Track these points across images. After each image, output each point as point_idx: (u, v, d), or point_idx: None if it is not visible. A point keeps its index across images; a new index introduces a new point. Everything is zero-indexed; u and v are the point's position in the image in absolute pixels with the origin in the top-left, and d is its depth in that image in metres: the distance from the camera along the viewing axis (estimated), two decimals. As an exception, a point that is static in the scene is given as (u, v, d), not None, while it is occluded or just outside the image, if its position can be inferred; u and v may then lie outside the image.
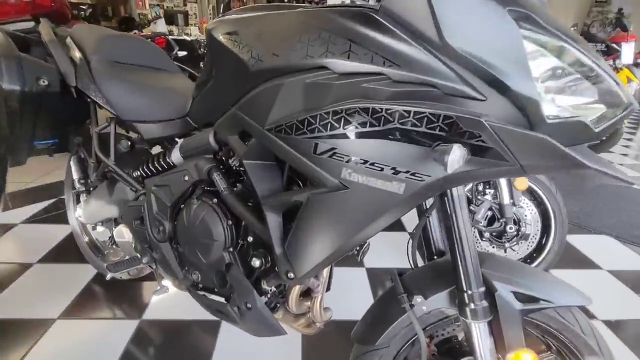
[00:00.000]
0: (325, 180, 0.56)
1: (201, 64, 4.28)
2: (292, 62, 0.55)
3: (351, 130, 0.52)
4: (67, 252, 1.56)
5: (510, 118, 0.47)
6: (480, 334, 0.62)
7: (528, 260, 1.46)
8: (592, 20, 8.52)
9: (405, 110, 0.48)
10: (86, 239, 1.35)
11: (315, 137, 0.55)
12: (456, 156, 0.43)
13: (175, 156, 0.93)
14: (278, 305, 0.87)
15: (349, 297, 1.40)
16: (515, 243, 1.45)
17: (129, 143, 1.02)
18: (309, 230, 0.61)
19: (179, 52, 2.97)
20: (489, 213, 1.42)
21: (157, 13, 3.89)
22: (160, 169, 0.99)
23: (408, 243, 0.79)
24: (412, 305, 0.67)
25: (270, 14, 0.62)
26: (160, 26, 3.70)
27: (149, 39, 2.88)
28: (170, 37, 2.94)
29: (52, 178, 2.28)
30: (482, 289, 0.62)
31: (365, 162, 0.53)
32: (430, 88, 0.48)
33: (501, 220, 1.39)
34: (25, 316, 1.24)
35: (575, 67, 0.48)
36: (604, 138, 3.39)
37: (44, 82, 0.94)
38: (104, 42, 1.07)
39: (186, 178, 0.87)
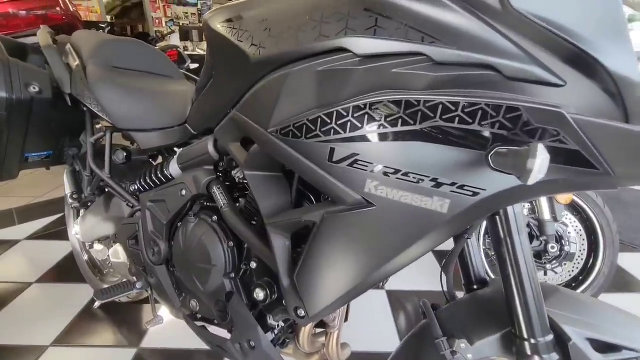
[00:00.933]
0: (345, 195, 0.43)
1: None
2: (300, 45, 0.43)
3: (378, 131, 0.40)
4: (67, 271, 1.48)
5: (599, 109, 0.35)
6: (549, 397, 0.47)
7: (573, 285, 1.29)
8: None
9: (451, 103, 0.36)
10: (86, 257, 1.26)
11: (332, 141, 0.43)
12: (543, 161, 0.30)
13: (174, 168, 0.83)
14: (287, 341, 0.74)
15: (367, 323, 1.25)
16: (557, 265, 1.27)
17: (125, 154, 0.93)
18: (324, 258, 0.48)
19: (190, 65, 2.94)
20: (527, 230, 1.25)
21: (171, 28, 3.92)
22: (158, 182, 0.89)
23: (442, 270, 0.66)
24: (454, 352, 0.53)
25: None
26: (174, 41, 3.72)
27: (162, 52, 2.88)
28: (182, 50, 2.93)
29: (61, 192, 2.24)
30: (551, 336, 0.47)
31: (397, 171, 0.40)
32: (488, 71, 0.35)
33: (541, 239, 1.23)
34: (17, 342, 1.14)
35: None
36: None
37: (34, 88, 0.87)
38: (102, 47, 1.00)
39: (183, 192, 0.76)
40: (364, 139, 0.41)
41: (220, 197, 0.69)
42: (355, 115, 0.41)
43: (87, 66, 0.95)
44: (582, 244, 1.27)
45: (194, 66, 3.01)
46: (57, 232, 1.79)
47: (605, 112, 0.34)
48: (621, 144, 0.34)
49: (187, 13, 7.33)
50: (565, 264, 1.27)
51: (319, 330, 0.77)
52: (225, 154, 0.70)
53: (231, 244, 0.70)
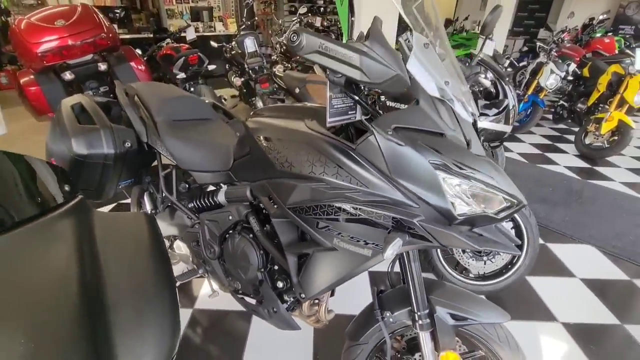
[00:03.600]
0: (323, 243, 0.89)
1: (227, 67, 4.57)
2: (303, 172, 0.87)
3: (339, 217, 0.85)
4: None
5: (435, 217, 0.78)
6: (424, 340, 0.95)
7: (504, 271, 1.76)
8: (628, 1, 8.09)
9: (371, 210, 0.80)
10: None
11: (317, 218, 0.88)
12: (394, 248, 0.74)
13: (221, 198, 1.28)
14: (295, 308, 1.23)
15: (352, 294, 1.76)
16: (492, 256, 1.74)
17: (187, 186, 1.39)
18: (314, 271, 0.95)
19: (208, 66, 3.30)
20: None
21: (187, 22, 4.19)
22: (209, 204, 1.35)
23: (388, 268, 1.12)
24: (383, 318, 1.00)
25: (293, 130, 0.93)
26: (190, 34, 4.02)
27: (184, 57, 3.22)
28: (201, 55, 3.27)
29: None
30: (427, 311, 0.94)
31: (348, 236, 0.85)
32: (386, 199, 0.79)
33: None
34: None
35: (479, 186, 0.77)
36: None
37: (128, 144, 1.31)
38: (165, 104, 1.41)
39: (230, 217, 1.22)
40: (332, 219, 0.86)
41: (254, 225, 1.14)
42: (329, 209, 0.85)
43: (156, 121, 1.37)
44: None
45: (211, 67, 3.37)
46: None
47: (438, 218, 0.78)
48: (441, 235, 0.78)
49: (195, -11, 7.39)
50: (497, 256, 1.74)
51: (315, 301, 1.26)
52: (256, 198, 1.15)
53: (262, 252, 1.16)
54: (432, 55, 0.78)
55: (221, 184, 1.31)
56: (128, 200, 1.70)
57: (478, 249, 0.77)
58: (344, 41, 0.81)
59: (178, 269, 1.74)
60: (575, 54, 4.65)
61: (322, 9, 9.44)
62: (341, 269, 0.90)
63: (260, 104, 3.79)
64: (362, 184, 0.80)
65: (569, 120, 4.39)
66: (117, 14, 5.34)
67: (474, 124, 0.83)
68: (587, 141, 3.68)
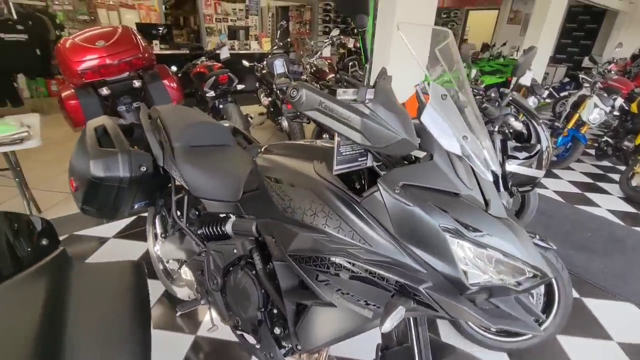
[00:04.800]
0: (322, 297, 0.83)
1: (257, 85, 4.69)
2: (305, 221, 0.82)
3: (340, 272, 0.79)
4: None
5: (444, 285, 0.70)
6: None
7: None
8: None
9: (373, 270, 0.73)
10: (161, 266, 1.77)
11: (317, 270, 0.82)
12: (393, 320, 0.67)
13: (229, 229, 1.25)
14: (294, 353, 1.16)
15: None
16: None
17: (197, 213, 1.38)
18: (312, 324, 0.89)
19: (237, 86, 3.39)
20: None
21: (222, 40, 4.36)
22: (216, 233, 1.32)
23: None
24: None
25: (299, 173, 0.88)
26: (224, 53, 4.17)
27: (215, 76, 3.33)
28: (231, 74, 3.36)
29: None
30: None
31: (348, 294, 0.79)
32: (390, 260, 0.72)
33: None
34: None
35: (496, 254, 0.69)
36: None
37: (144, 168, 1.32)
38: (184, 130, 1.42)
39: (235, 251, 1.18)
40: (333, 274, 0.80)
41: (258, 262, 1.10)
42: (329, 262, 0.79)
43: (174, 147, 1.39)
44: (539, 300, 1.56)
45: (240, 86, 3.46)
46: (136, 232, 2.35)
47: (447, 286, 0.70)
48: (451, 307, 0.69)
49: (235, 9, 7.76)
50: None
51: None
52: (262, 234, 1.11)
53: (263, 291, 1.11)
54: (450, 107, 0.72)
55: (230, 214, 1.29)
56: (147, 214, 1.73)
57: (490, 327, 0.68)
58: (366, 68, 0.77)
59: (183, 293, 1.73)
60: (623, 87, 4.35)
61: (355, 30, 9.58)
62: (339, 327, 0.83)
63: (285, 124, 3.83)
64: (365, 241, 0.74)
65: (614, 158, 4.07)
66: (160, 31, 5.69)
67: (502, 177, 0.75)
68: (634, 183, 3.38)
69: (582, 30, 8.87)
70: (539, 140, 1.54)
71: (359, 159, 0.82)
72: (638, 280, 2.19)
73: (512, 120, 1.51)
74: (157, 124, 1.50)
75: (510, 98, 1.53)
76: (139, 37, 2.51)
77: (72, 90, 2.45)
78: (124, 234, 2.36)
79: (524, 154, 1.50)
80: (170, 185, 1.50)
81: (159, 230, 1.55)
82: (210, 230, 1.34)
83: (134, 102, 2.60)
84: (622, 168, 3.55)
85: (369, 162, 0.84)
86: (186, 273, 1.51)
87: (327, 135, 3.01)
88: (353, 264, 0.76)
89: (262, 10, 8.85)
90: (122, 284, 0.60)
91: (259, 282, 1.11)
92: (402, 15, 3.11)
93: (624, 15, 7.48)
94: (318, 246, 0.80)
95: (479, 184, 0.73)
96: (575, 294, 2.02)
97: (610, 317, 1.89)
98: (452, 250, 0.67)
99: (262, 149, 1.11)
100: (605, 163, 4.38)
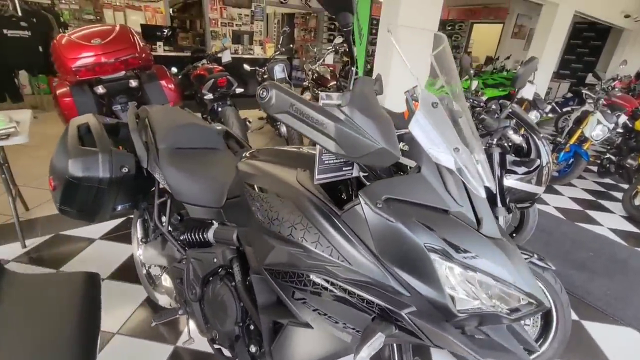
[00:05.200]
0: (298, 317, 0.76)
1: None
2: (282, 233, 0.76)
3: (317, 291, 0.72)
4: (129, 271, 1.94)
5: (429, 310, 0.64)
6: None
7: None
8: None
9: (352, 291, 0.67)
10: (144, 271, 1.70)
11: (294, 287, 0.76)
12: (370, 349, 0.60)
13: (210, 236, 1.19)
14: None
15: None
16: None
17: (179, 218, 1.32)
18: (287, 345, 0.82)
19: (236, 89, 3.36)
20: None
21: (224, 44, 4.35)
22: (198, 240, 1.26)
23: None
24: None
25: (280, 182, 0.82)
26: (226, 56, 4.15)
27: (214, 79, 3.30)
28: (230, 77, 3.33)
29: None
30: None
31: (326, 314, 0.72)
32: (370, 280, 0.66)
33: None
34: (94, 327, 1.61)
35: (487, 279, 0.62)
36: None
37: (125, 169, 1.27)
38: (171, 131, 1.37)
39: (215, 260, 1.12)
40: (310, 292, 0.73)
41: (237, 274, 1.03)
42: (306, 279, 0.73)
43: (159, 148, 1.34)
44: (536, 322, 1.48)
45: (239, 90, 3.42)
46: (124, 235, 2.29)
47: (433, 312, 0.63)
48: (435, 335, 0.63)
49: (240, 15, 7.79)
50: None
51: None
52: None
53: (241, 305, 1.05)
54: (441, 116, 0.66)
55: (213, 221, 1.23)
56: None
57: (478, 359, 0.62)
58: (359, 74, 0.71)
59: (165, 300, 1.66)
60: (627, 104, 4.30)
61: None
62: (316, 350, 0.77)
63: (283, 129, 3.79)
64: (345, 259, 0.67)
65: (617, 176, 4.00)
66: (164, 33, 5.69)
67: (499, 192, 0.69)
68: (637, 202, 3.30)
69: (587, 46, 8.87)
70: (539, 155, 1.48)
71: (344, 169, 0.77)
72: (640, 303, 2.11)
73: (511, 134, 1.45)
74: (144, 123, 1.45)
75: (510, 110, 1.47)
76: (136, 36, 2.48)
77: (67, 88, 2.42)
78: (110, 236, 2.30)
79: (523, 169, 1.44)
80: (153, 188, 1.45)
81: (139, 234, 1.49)
82: (192, 236, 1.28)
83: (130, 102, 2.56)
84: (625, 186, 3.48)
85: (355, 172, 0.78)
86: (167, 280, 1.44)
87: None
88: (331, 283, 0.69)
89: (268, 16, 8.90)
90: (69, 298, 0.54)
91: (238, 294, 1.05)
92: (405, 21, 3.08)
93: (628, 32, 7.47)
94: (295, 261, 0.74)
95: (470, 200, 0.67)
96: (574, 316, 1.94)
97: (610, 343, 1.81)
98: (438, 273, 0.61)
99: (247, 154, 1.05)
100: (607, 180, 4.30)
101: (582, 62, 8.96)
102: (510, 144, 1.52)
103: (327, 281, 0.70)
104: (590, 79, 7.71)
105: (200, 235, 1.24)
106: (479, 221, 0.67)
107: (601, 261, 2.51)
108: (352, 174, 0.78)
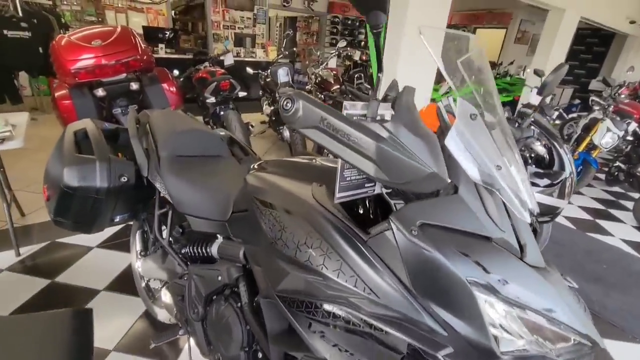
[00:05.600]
0: (316, 352, 0.68)
1: (260, 93, 4.61)
2: (298, 258, 0.68)
3: (337, 324, 0.64)
4: (126, 282, 1.86)
5: (467, 351, 0.56)
6: None
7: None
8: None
9: (380, 327, 0.59)
10: (143, 284, 1.62)
11: (310, 318, 0.67)
12: None
13: (214, 251, 1.11)
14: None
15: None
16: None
17: (181, 231, 1.24)
18: (301, 380, 0.74)
19: (239, 93, 3.29)
20: None
21: (226, 47, 4.29)
22: (201, 255, 1.18)
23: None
24: None
25: (295, 198, 0.74)
26: (228, 59, 4.09)
27: (217, 82, 3.23)
28: (233, 81, 3.27)
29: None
30: None
31: (347, 351, 0.64)
32: (401, 316, 0.58)
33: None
34: (89, 343, 1.52)
35: (536, 317, 0.55)
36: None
37: (124, 178, 1.19)
38: (173, 138, 1.30)
39: (219, 278, 1.04)
40: (329, 324, 0.65)
41: (244, 294, 0.95)
42: (325, 310, 0.65)
43: (160, 155, 1.26)
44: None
45: (242, 94, 3.35)
46: (121, 243, 2.20)
47: (472, 354, 0.56)
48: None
49: (243, 17, 7.75)
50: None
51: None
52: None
53: (248, 328, 0.96)
54: (480, 129, 0.59)
55: (217, 235, 1.15)
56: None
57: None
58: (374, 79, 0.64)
59: (164, 315, 1.57)
60: (634, 111, 4.23)
61: (362, 42, 9.59)
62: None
63: (286, 134, 3.71)
64: (371, 291, 0.59)
65: (626, 184, 3.92)
66: (166, 35, 5.64)
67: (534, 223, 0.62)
68: (648, 211, 3.23)
69: (590, 52, 8.83)
70: (562, 167, 1.40)
71: (366, 185, 0.69)
72: (659, 320, 2.02)
73: (536, 145, 1.37)
74: (145, 129, 1.37)
75: (533, 119, 1.39)
76: (138, 38, 2.41)
77: (66, 90, 2.34)
78: (108, 244, 2.21)
79: (546, 181, 1.36)
80: (154, 197, 1.37)
81: (138, 247, 1.41)
82: (195, 250, 1.20)
83: (131, 105, 2.49)
84: (635, 195, 3.41)
85: (378, 188, 0.70)
86: (166, 295, 1.36)
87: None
88: (355, 316, 0.61)
89: (270, 19, 8.87)
90: (57, 340, 0.47)
91: (244, 317, 0.97)
92: (413, 17, 3.01)
93: (633, 39, 7.43)
94: (312, 290, 0.66)
95: (512, 225, 0.59)
96: (591, 333, 1.85)
97: (630, 362, 1.72)
98: (481, 310, 0.53)
99: (256, 165, 0.97)
100: (616, 189, 4.23)
101: (586, 68, 8.91)
102: (532, 155, 1.44)
103: (350, 314, 0.62)
104: (594, 85, 7.66)
105: (204, 250, 1.16)
106: (521, 248, 0.59)
107: (616, 274, 2.43)
108: (374, 191, 0.71)
